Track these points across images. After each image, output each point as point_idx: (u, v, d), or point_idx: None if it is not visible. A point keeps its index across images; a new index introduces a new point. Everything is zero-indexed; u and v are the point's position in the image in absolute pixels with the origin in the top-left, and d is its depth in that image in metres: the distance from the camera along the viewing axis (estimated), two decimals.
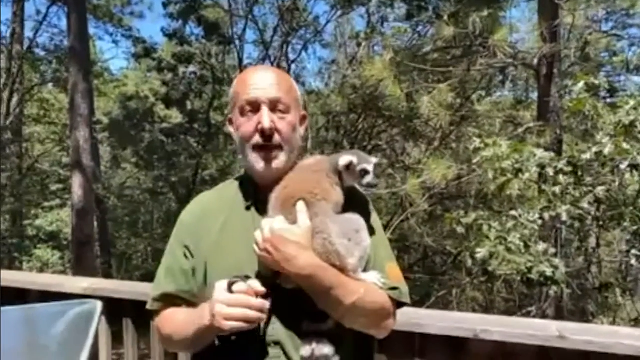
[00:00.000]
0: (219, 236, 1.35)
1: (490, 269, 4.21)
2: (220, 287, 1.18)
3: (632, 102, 3.89)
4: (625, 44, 11.46)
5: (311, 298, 1.22)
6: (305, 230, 1.24)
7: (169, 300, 1.38)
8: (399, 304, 1.32)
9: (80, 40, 10.31)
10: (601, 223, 4.50)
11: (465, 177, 7.65)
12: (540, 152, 4.26)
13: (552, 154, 4.42)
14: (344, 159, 1.33)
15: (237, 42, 12.10)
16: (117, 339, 2.44)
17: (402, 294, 1.31)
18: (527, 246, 4.10)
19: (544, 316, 6.02)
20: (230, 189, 1.46)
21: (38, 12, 14.86)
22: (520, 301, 8.87)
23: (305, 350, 1.22)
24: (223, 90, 11.82)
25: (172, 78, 12.31)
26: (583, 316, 7.48)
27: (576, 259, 6.05)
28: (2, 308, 1.57)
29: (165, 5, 11.70)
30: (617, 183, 4.13)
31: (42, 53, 15.84)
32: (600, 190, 4.07)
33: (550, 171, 4.13)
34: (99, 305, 1.63)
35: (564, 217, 4.15)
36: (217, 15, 12.12)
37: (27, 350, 1.62)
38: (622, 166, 3.84)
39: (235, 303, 1.15)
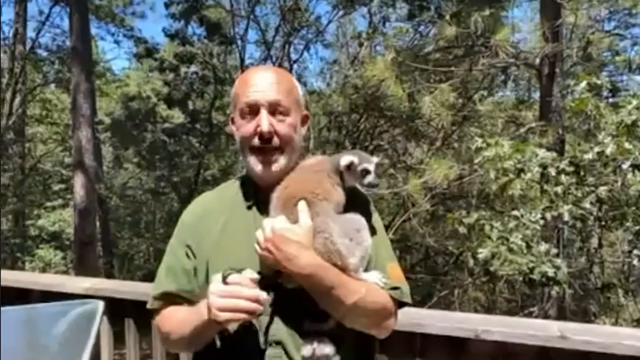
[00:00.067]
0: (220, 236, 1.36)
1: (492, 269, 4.21)
2: (215, 280, 1.18)
3: (634, 102, 3.88)
4: (627, 43, 11.44)
5: (312, 298, 1.22)
6: (306, 229, 1.24)
7: (170, 299, 1.38)
8: (400, 304, 1.32)
9: (82, 41, 10.32)
10: (603, 223, 4.49)
11: (467, 177, 7.64)
12: (542, 152, 4.25)
13: (554, 154, 4.42)
14: (345, 159, 1.33)
15: (238, 42, 12.13)
16: (118, 339, 2.44)
17: (403, 293, 1.31)
18: (529, 246, 4.09)
19: (546, 316, 6.01)
20: (231, 189, 1.46)
21: (40, 13, 14.94)
22: (522, 301, 8.86)
23: (307, 350, 1.22)
24: (225, 90, 11.84)
25: (174, 78, 12.34)
26: (585, 316, 7.46)
27: (578, 259, 6.04)
28: (3, 308, 1.57)
29: (167, 6, 11.74)
30: (619, 183, 4.12)
31: (45, 53, 15.90)
32: (602, 190, 4.07)
33: (552, 171, 4.13)
34: (100, 305, 1.63)
35: (566, 217, 4.15)
36: (219, 15, 12.14)
37: (28, 350, 1.62)
38: (624, 166, 3.83)
39: (226, 294, 1.14)
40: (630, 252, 4.71)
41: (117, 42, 16.11)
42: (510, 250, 4.05)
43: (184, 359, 2.28)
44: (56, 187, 15.46)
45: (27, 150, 15.96)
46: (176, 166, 12.56)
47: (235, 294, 1.14)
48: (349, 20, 13.42)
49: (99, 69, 16.36)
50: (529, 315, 6.49)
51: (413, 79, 7.85)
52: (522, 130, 7.54)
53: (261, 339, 1.24)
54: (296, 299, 1.22)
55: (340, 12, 11.53)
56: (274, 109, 1.32)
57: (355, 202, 1.36)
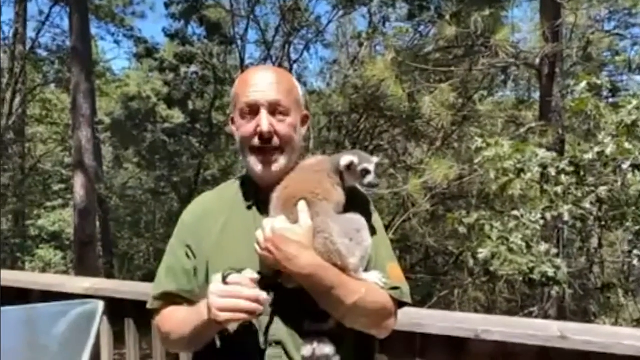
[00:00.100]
0: (220, 236, 1.36)
1: (492, 269, 4.21)
2: (215, 280, 1.18)
3: (634, 102, 3.88)
4: (627, 43, 11.44)
5: (312, 298, 1.22)
6: (306, 229, 1.24)
7: (170, 299, 1.38)
8: (400, 304, 1.32)
9: (82, 41, 10.32)
10: (603, 223, 4.49)
11: (467, 177, 7.64)
12: (542, 152, 4.25)
13: (554, 154, 4.42)
14: (345, 159, 1.33)
15: (238, 42, 12.13)
16: (118, 339, 2.44)
17: (403, 293, 1.31)
18: (529, 246, 4.09)
19: (546, 316, 6.01)
20: (231, 189, 1.46)
21: (40, 13, 14.94)
22: (522, 301, 8.86)
23: (307, 350, 1.22)
24: (225, 90, 11.84)
25: (174, 78, 12.34)
26: (585, 316, 7.46)
27: (578, 259, 6.04)
28: (3, 308, 1.57)
29: (167, 6, 11.75)
30: (619, 183, 4.12)
31: (45, 53, 15.90)
32: (602, 190, 4.07)
33: (552, 171, 4.13)
34: (100, 305, 1.63)
35: (566, 217, 4.15)
36: (219, 15, 12.14)
37: (28, 350, 1.62)
38: (624, 166, 3.83)
39: (226, 294, 1.14)
40: (630, 252, 4.71)
41: (117, 42, 16.14)
42: (510, 250, 4.05)
43: (184, 359, 2.28)
44: (56, 187, 15.46)
45: (27, 150, 15.96)
46: (176, 166, 12.56)
47: (235, 294, 1.14)
48: (349, 20, 13.43)
49: (99, 69, 16.37)
50: (529, 315, 6.49)
51: (413, 79, 7.85)
52: (522, 130, 7.54)
53: (261, 339, 1.24)
54: (296, 299, 1.22)
55: (340, 12, 11.54)
56: (274, 109, 1.32)
57: (355, 202, 1.36)
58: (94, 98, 11.26)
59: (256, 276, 1.17)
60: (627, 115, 3.86)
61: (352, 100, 9.63)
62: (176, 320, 1.34)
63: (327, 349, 1.23)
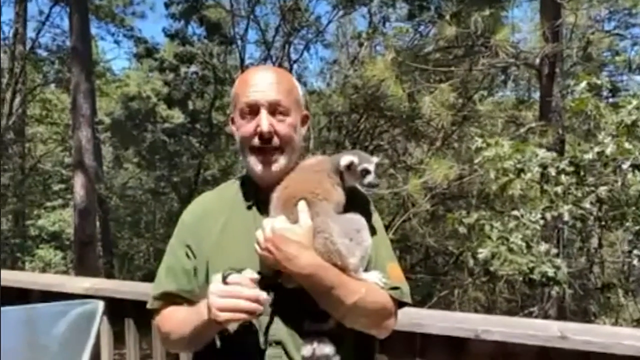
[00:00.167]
0: (220, 236, 1.36)
1: (492, 269, 4.21)
2: (215, 280, 1.18)
3: (634, 102, 3.88)
4: (627, 43, 11.44)
5: (312, 298, 1.22)
6: (306, 229, 1.24)
7: (170, 299, 1.38)
8: (400, 304, 1.32)
9: (82, 41, 10.32)
10: (603, 223, 4.49)
11: (467, 177, 7.64)
12: (542, 152, 4.25)
13: (554, 154, 4.42)
14: (345, 159, 1.33)
15: (238, 42, 12.14)
16: (118, 339, 2.44)
17: (404, 293, 1.31)
18: (529, 246, 4.09)
19: (546, 316, 6.01)
20: (231, 189, 1.46)
21: (40, 13, 14.94)
22: (523, 301, 8.86)
23: (307, 350, 1.22)
24: (225, 90, 11.85)
25: (174, 78, 12.34)
26: (585, 316, 7.46)
27: (578, 259, 6.04)
28: (3, 308, 1.57)
29: (167, 6, 11.75)
30: (619, 183, 4.12)
31: (45, 53, 15.90)
32: (602, 190, 4.07)
33: (552, 171, 4.13)
34: (100, 305, 1.63)
35: (566, 217, 4.15)
36: (219, 15, 12.14)
37: (28, 350, 1.62)
38: (624, 166, 3.83)
39: (226, 294, 1.14)
40: (630, 252, 4.71)
41: (117, 42, 16.14)
42: (510, 250, 4.05)
43: (184, 359, 2.28)
44: (56, 187, 15.46)
45: (27, 150, 15.96)
46: (176, 166, 12.56)
47: (235, 294, 1.14)
48: (349, 20, 13.43)
49: (99, 69, 16.36)
50: (529, 315, 6.49)
51: (413, 79, 7.85)
52: (522, 130, 7.54)
53: (261, 339, 1.24)
54: (296, 299, 1.22)
55: (340, 12, 11.54)
56: (274, 109, 1.32)
57: (355, 202, 1.36)
58: (94, 98, 11.26)
59: (256, 276, 1.17)
60: (627, 115, 3.86)
61: (352, 100, 9.63)
62: (176, 320, 1.34)
63: (327, 349, 1.23)
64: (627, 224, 4.21)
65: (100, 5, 15.06)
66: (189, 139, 12.48)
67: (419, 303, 7.46)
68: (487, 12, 6.72)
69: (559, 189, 4.12)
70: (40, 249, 13.22)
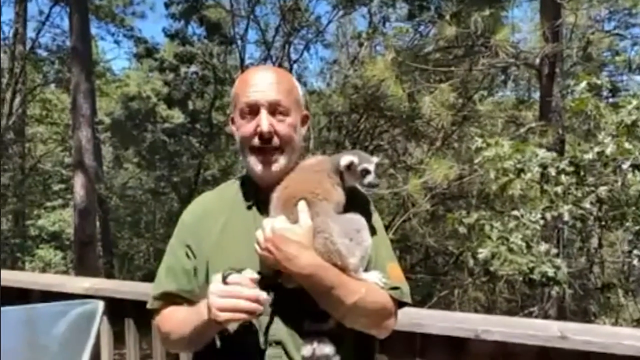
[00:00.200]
0: (220, 236, 1.36)
1: (492, 269, 4.21)
2: (215, 280, 1.18)
3: (634, 102, 3.88)
4: (627, 43, 11.44)
5: (312, 298, 1.22)
6: (306, 229, 1.24)
7: (170, 299, 1.38)
8: (400, 304, 1.32)
9: (82, 41, 10.32)
10: (603, 223, 4.49)
11: (467, 177, 7.64)
12: (542, 152, 4.25)
13: (554, 154, 4.42)
14: (344, 159, 1.33)
15: (238, 42, 12.13)
16: (118, 339, 2.44)
17: (403, 293, 1.31)
18: (529, 246, 4.09)
19: (546, 316, 6.01)
20: (231, 189, 1.46)
21: (40, 13, 14.94)
22: (523, 301, 8.86)
23: (307, 350, 1.22)
24: (225, 90, 11.85)
25: (174, 78, 12.34)
26: (585, 316, 7.46)
27: (578, 259, 6.04)
28: (3, 308, 1.57)
29: (167, 6, 11.75)
30: (619, 183, 4.12)
31: (45, 53, 15.89)
32: (602, 190, 4.07)
33: (552, 171, 4.13)
34: (100, 305, 1.63)
35: (566, 217, 4.15)
36: (219, 16, 12.14)
37: (28, 350, 1.62)
38: (624, 166, 3.83)
39: (226, 294, 1.14)
40: (630, 252, 4.71)
41: (117, 42, 16.14)
42: (510, 250, 4.05)
43: (184, 359, 2.28)
44: (56, 187, 15.47)
45: (27, 150, 15.96)
46: (176, 166, 12.56)
47: (235, 294, 1.14)
48: (349, 20, 13.43)
49: (99, 69, 16.36)
50: (529, 315, 6.49)
51: (413, 79, 7.85)
52: (522, 130, 7.54)
53: (261, 339, 1.24)
54: (296, 299, 1.22)
55: (340, 12, 11.54)
56: (274, 109, 1.32)
57: (355, 202, 1.36)
58: (94, 98, 11.26)
59: (256, 276, 1.17)
60: (627, 115, 3.86)
61: (352, 100, 9.63)
62: (176, 320, 1.34)
63: (327, 349, 1.23)
64: (627, 224, 4.21)
65: (100, 5, 15.06)
66: (189, 139, 12.48)
67: (419, 303, 7.46)
68: (487, 12, 6.72)
69: (559, 189, 4.12)
70: (40, 249, 13.22)
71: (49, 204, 14.56)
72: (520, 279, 4.15)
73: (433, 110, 7.15)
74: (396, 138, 10.63)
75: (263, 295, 1.15)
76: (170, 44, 13.21)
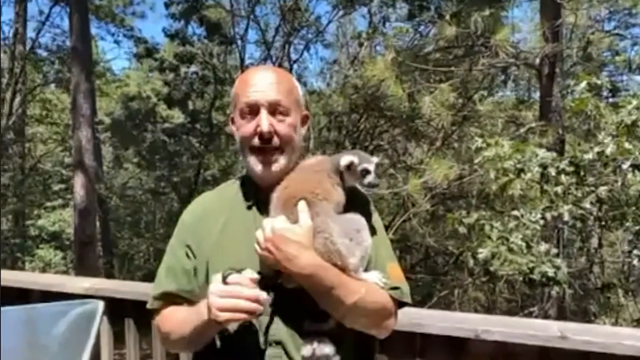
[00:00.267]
0: (220, 236, 1.36)
1: (492, 269, 4.21)
2: (215, 280, 1.18)
3: (634, 102, 3.88)
4: (627, 43, 11.44)
5: (312, 298, 1.22)
6: (306, 229, 1.24)
7: (170, 299, 1.38)
8: (400, 304, 1.32)
9: (82, 41, 10.32)
10: (603, 223, 4.49)
11: (467, 177, 7.64)
12: (542, 152, 4.25)
13: (554, 154, 4.42)
14: (345, 159, 1.33)
15: (238, 42, 12.14)
16: (118, 339, 2.44)
17: (403, 293, 1.31)
18: (529, 246, 4.09)
19: (546, 316, 6.01)
20: (231, 189, 1.46)
21: (40, 13, 14.93)
22: (523, 301, 8.86)
23: (307, 350, 1.22)
24: (225, 90, 11.85)
25: (174, 78, 12.34)
26: (585, 316, 7.46)
27: (578, 259, 6.04)
28: (3, 308, 1.57)
29: (167, 6, 11.75)
30: (619, 183, 4.12)
31: (45, 53, 15.89)
32: (602, 190, 4.07)
33: (552, 171, 4.13)
34: (100, 305, 1.63)
35: (566, 217, 4.15)
36: (219, 16, 12.14)
37: (28, 351, 1.62)
38: (624, 166, 3.83)
39: (226, 294, 1.14)
40: (630, 252, 4.71)
41: (117, 42, 16.12)
42: (510, 250, 4.05)
43: (184, 359, 2.28)
44: (56, 187, 15.46)
45: (27, 150, 15.96)
46: (176, 166, 12.56)
47: (235, 294, 1.14)
48: (349, 20, 13.43)
49: (99, 69, 16.36)
50: (529, 315, 6.49)
51: (413, 79, 7.85)
52: (522, 130, 7.54)
53: (261, 339, 1.24)
54: (296, 299, 1.22)
55: (340, 12, 11.54)
56: (274, 109, 1.32)
57: (355, 202, 1.36)
58: (94, 98, 11.26)
59: (256, 276, 1.17)
60: (627, 115, 3.86)
61: (352, 100, 9.63)
62: (176, 320, 1.34)
63: (327, 349, 1.23)
64: (627, 224, 4.22)
65: (100, 5, 15.06)
66: (189, 139, 12.48)
67: (419, 303, 7.46)
68: (487, 12, 6.72)
69: (559, 189, 4.12)
70: (40, 249, 13.22)
71: (49, 204, 14.56)
72: (520, 279, 4.15)
73: (433, 110, 7.15)
74: (396, 138, 10.63)
75: (263, 295, 1.15)
76: (170, 44, 13.21)
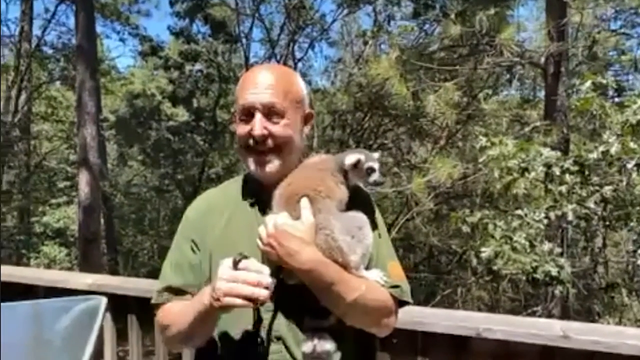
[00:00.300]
0: (224, 231, 1.37)
1: (495, 268, 4.21)
2: (224, 265, 1.17)
3: (639, 102, 3.87)
4: (633, 42, 11.36)
5: (313, 294, 1.22)
6: (308, 226, 1.24)
7: (174, 293, 1.39)
8: (400, 303, 1.32)
9: (88, 39, 10.36)
10: (608, 223, 4.48)
11: (471, 176, 7.62)
12: (546, 151, 4.24)
13: (559, 153, 4.41)
14: (350, 157, 1.33)
15: (243, 40, 12.12)
16: (121, 335, 2.45)
17: (404, 292, 1.31)
18: (532, 245, 4.09)
19: (549, 316, 6.00)
20: (235, 186, 1.47)
21: (46, 11, 14.95)
22: (526, 301, 8.84)
23: (307, 346, 1.23)
24: (229, 88, 11.85)
25: (179, 76, 12.34)
26: (589, 316, 7.45)
27: (582, 258, 6.02)
28: (9, 303, 1.58)
29: (172, 4, 11.74)
30: (624, 183, 4.11)
31: (50, 51, 15.92)
32: (607, 190, 4.06)
33: (556, 170, 4.12)
34: (103, 301, 1.63)
35: (570, 217, 4.14)
36: (224, 14, 12.14)
37: (31, 345, 1.63)
38: (629, 165, 3.82)
39: (235, 279, 1.13)
40: (634, 251, 4.70)
41: (122, 40, 16.13)
42: (514, 249, 4.05)
43: (187, 357, 2.29)
44: (61, 185, 15.51)
45: (33, 147, 16.04)
46: (180, 164, 12.57)
47: (242, 279, 1.13)
48: (354, 18, 13.40)
49: (104, 67, 16.39)
50: (533, 314, 6.48)
51: (418, 78, 7.83)
52: (527, 129, 7.53)
53: (263, 335, 1.25)
54: (297, 295, 1.23)
55: (345, 11, 11.52)
56: (268, 111, 1.32)
57: (357, 201, 1.36)
58: (99, 96, 11.30)
59: (260, 266, 1.17)
60: (633, 115, 3.85)
61: (357, 98, 9.62)
62: (178, 311, 1.34)
63: (328, 345, 1.23)
64: (632, 223, 4.21)
65: (106, 3, 15.09)
66: (194, 136, 12.49)
67: (422, 302, 7.44)
68: (492, 11, 6.70)
69: (563, 188, 4.11)
70: (45, 246, 13.28)
71: (53, 201, 14.61)
72: (524, 278, 4.14)
73: (437, 109, 7.14)
74: (400, 137, 10.61)
75: (268, 280, 1.13)
76: (175, 42, 13.22)
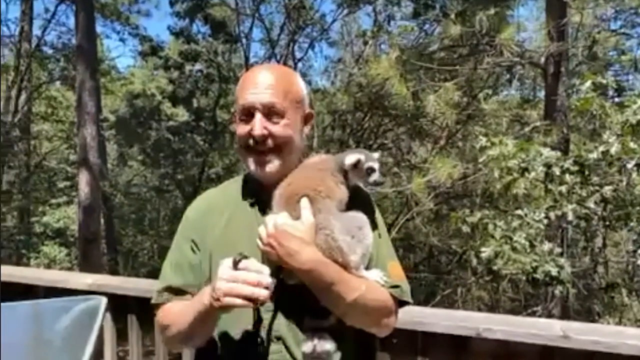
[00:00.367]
0: (224, 231, 1.37)
1: (495, 268, 4.21)
2: (224, 265, 1.17)
3: (639, 102, 3.87)
4: (633, 42, 11.36)
5: (313, 294, 1.22)
6: (308, 226, 1.25)
7: (174, 293, 1.39)
8: (400, 303, 1.32)
9: (88, 39, 10.36)
10: (608, 223, 4.48)
11: (471, 176, 7.62)
12: (546, 151, 4.24)
13: (559, 153, 4.41)
14: (351, 157, 1.33)
15: (243, 40, 12.12)
16: (121, 335, 2.45)
17: (404, 292, 1.31)
18: (532, 245, 4.09)
19: (549, 316, 6.00)
20: (235, 186, 1.47)
21: (46, 11, 14.95)
22: (526, 301, 8.83)
23: (307, 346, 1.23)
24: (229, 88, 11.85)
25: (179, 76, 12.34)
26: (589, 316, 7.45)
27: (582, 258, 6.02)
28: (10, 303, 1.58)
29: (172, 4, 11.74)
30: (624, 183, 4.11)
31: (50, 51, 15.92)
32: (607, 190, 4.06)
33: (556, 170, 4.12)
34: (103, 301, 1.63)
35: (570, 217, 4.14)
36: (224, 14, 12.14)
37: (31, 345, 1.63)
38: (629, 165, 3.82)
39: (235, 279, 1.13)
40: (634, 251, 4.70)
41: (122, 40, 16.13)
42: (514, 249, 4.05)
43: (187, 357, 2.29)
44: (61, 185, 15.51)
45: (33, 147, 16.04)
46: (180, 164, 12.57)
47: (242, 279, 1.13)
48: (354, 18, 13.40)
49: (104, 67, 16.39)
50: (533, 314, 6.48)
51: (418, 78, 7.82)
52: (527, 129, 7.53)
53: (263, 335, 1.25)
54: (297, 295, 1.23)
55: (345, 11, 11.52)
56: (268, 112, 1.32)
57: (357, 201, 1.36)
58: (99, 96, 11.30)
59: (260, 266, 1.17)
60: (633, 115, 3.85)
61: (357, 98, 9.62)
62: (177, 311, 1.34)
63: (328, 345, 1.23)
64: (632, 223, 4.21)
65: (106, 3, 15.09)
66: (194, 136, 12.48)
67: (422, 302, 7.44)
68: (492, 11, 6.70)
69: (563, 188, 4.11)
70: (45, 246, 13.28)
71: (54, 201, 14.61)
72: (524, 278, 4.14)
73: (437, 109, 7.14)
74: (400, 137, 10.61)
75: (268, 280, 1.13)
76: (175, 42, 13.22)
